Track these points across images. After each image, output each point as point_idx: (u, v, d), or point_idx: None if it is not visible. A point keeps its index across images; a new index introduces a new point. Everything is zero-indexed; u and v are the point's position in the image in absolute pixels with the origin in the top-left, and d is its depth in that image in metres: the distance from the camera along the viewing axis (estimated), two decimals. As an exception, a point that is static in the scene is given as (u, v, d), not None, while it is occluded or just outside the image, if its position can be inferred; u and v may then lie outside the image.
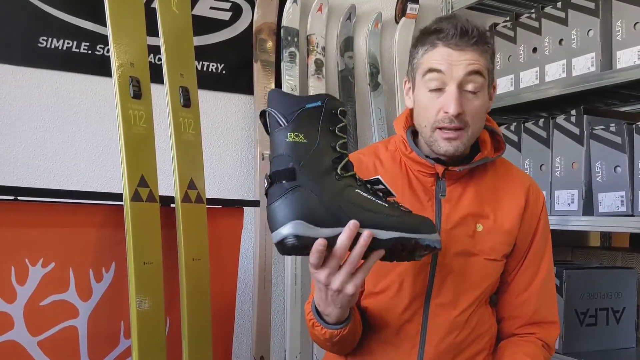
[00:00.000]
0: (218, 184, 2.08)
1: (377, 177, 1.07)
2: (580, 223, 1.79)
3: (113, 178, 1.91)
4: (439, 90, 1.18)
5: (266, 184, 1.00)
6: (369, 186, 1.06)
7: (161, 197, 1.51)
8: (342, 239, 0.98)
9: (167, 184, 1.62)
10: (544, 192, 1.88)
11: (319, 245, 0.96)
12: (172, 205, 1.56)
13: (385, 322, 1.25)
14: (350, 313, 1.14)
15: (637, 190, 1.65)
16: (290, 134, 1.00)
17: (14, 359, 1.35)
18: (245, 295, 2.08)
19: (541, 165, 1.92)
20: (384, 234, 1.01)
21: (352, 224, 0.97)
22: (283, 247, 0.97)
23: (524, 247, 1.31)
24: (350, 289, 1.02)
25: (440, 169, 1.23)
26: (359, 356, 1.28)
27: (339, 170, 1.01)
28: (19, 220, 1.37)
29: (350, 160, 1.04)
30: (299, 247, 0.97)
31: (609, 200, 1.72)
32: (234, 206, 1.76)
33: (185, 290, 1.53)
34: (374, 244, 1.00)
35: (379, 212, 1.02)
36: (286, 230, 0.96)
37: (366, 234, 0.98)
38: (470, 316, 1.25)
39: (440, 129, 1.19)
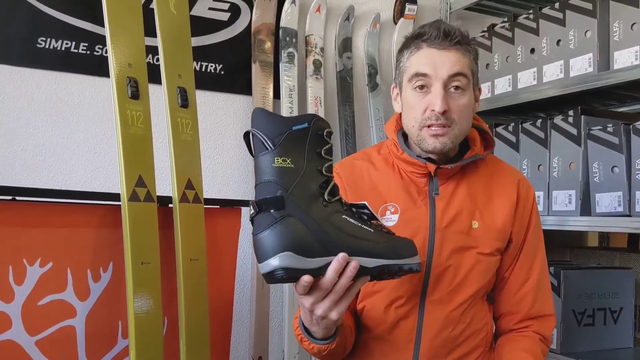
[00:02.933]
0: (216, 184, 2.08)
1: (364, 202, 1.07)
2: (577, 223, 1.79)
3: (111, 178, 1.91)
4: (425, 90, 1.22)
5: (252, 211, 0.98)
6: (354, 210, 1.05)
7: (159, 197, 1.52)
8: (331, 273, 0.97)
9: (165, 184, 1.62)
10: (542, 193, 1.89)
11: (304, 281, 0.96)
12: (169, 205, 1.56)
13: (381, 319, 1.26)
14: (338, 328, 1.15)
15: (634, 191, 1.65)
16: (277, 159, 0.97)
17: (11, 359, 1.36)
18: (244, 295, 2.08)
19: (539, 166, 1.93)
20: (371, 262, 1.01)
21: (341, 257, 0.97)
22: (271, 279, 0.96)
23: (519, 241, 1.32)
24: (334, 315, 1.03)
25: (432, 167, 1.26)
26: (355, 353, 1.29)
27: (325, 196, 1.00)
28: (17, 220, 1.38)
29: (336, 184, 1.03)
30: (287, 279, 0.96)
31: (606, 201, 1.72)
32: (232, 206, 1.76)
33: (183, 290, 1.53)
34: (361, 271, 1.00)
35: (365, 239, 1.01)
36: (275, 262, 0.94)
37: (353, 265, 0.98)
38: (465, 311, 1.26)
39: (428, 126, 1.22)
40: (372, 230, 1.03)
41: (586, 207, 1.79)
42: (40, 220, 1.41)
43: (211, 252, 1.61)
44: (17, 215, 1.38)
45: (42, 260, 1.39)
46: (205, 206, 1.61)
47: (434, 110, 1.20)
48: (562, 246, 2.31)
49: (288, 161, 0.97)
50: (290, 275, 0.95)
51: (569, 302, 1.79)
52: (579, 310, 1.81)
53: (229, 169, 2.11)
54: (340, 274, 0.98)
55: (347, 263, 0.98)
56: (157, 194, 1.51)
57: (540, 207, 1.88)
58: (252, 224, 0.98)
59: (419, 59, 1.22)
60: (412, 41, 1.24)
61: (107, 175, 1.92)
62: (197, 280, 1.56)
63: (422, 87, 1.22)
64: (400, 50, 1.28)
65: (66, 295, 1.43)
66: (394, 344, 1.26)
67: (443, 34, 1.20)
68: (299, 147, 0.99)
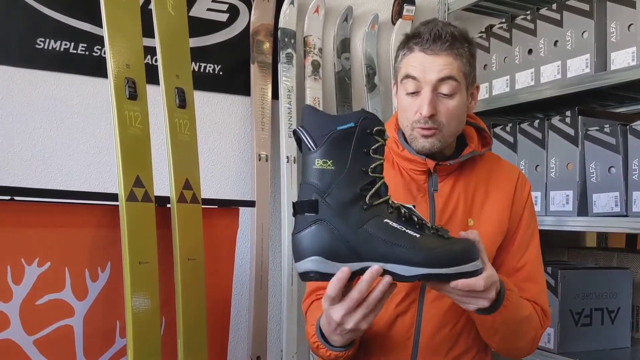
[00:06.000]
0: (215, 184, 2.09)
1: (412, 205, 1.05)
2: (575, 223, 1.80)
3: (109, 178, 1.92)
4: (416, 93, 1.24)
5: (293, 211, 1.00)
6: (403, 211, 1.01)
7: (157, 197, 1.52)
8: (363, 284, 0.97)
9: (163, 184, 1.63)
10: (539, 193, 1.90)
11: (343, 272, 0.96)
12: (167, 205, 1.57)
13: (380, 316, 1.26)
14: None
15: (631, 191, 1.66)
16: (318, 161, 0.97)
17: (10, 358, 1.36)
18: (242, 295, 2.09)
19: (536, 166, 1.93)
20: (408, 271, 0.98)
21: (375, 270, 0.97)
22: (305, 278, 0.98)
23: (511, 234, 1.33)
24: (364, 326, 1.03)
25: (431, 164, 1.27)
26: (356, 351, 1.29)
27: (367, 200, 0.98)
28: (15, 220, 1.38)
29: (385, 183, 1.01)
30: (320, 279, 0.98)
31: (603, 201, 1.73)
32: (230, 206, 1.76)
33: (181, 290, 1.53)
34: (398, 280, 0.98)
35: (404, 246, 0.97)
36: (307, 265, 0.97)
37: (386, 280, 0.98)
38: (464, 309, 1.25)
39: (420, 128, 1.24)
40: (418, 236, 0.99)
41: (583, 207, 1.79)
42: (38, 220, 1.41)
43: (209, 252, 1.61)
44: (15, 215, 1.38)
45: (40, 259, 1.40)
46: (203, 206, 1.61)
47: (421, 114, 1.22)
48: (560, 246, 2.31)
49: (329, 163, 0.97)
50: (322, 277, 0.97)
51: (567, 302, 1.79)
52: (576, 310, 1.81)
53: (227, 170, 2.11)
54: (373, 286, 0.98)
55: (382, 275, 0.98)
56: (155, 194, 1.51)
57: (537, 208, 1.88)
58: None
59: (410, 62, 1.24)
60: (407, 42, 1.26)
61: (105, 175, 1.92)
62: (195, 280, 1.56)
63: (414, 92, 1.23)
64: (398, 49, 1.30)
65: (64, 295, 1.43)
66: (393, 341, 1.26)
67: (433, 38, 1.21)
68: (344, 148, 0.97)
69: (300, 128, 0.99)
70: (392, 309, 1.26)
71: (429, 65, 1.21)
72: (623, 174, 1.68)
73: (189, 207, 1.57)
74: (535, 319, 1.26)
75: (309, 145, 0.97)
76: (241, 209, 1.80)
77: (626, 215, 1.67)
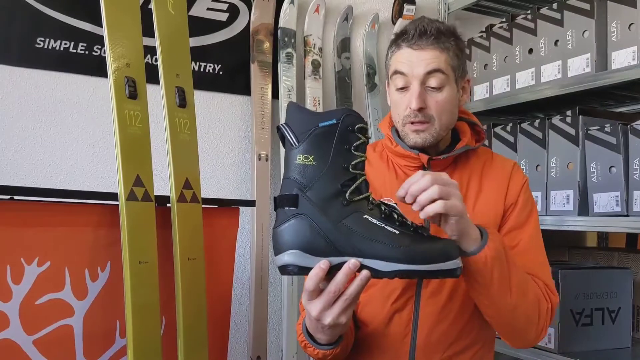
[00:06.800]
0: (215, 184, 2.09)
1: (394, 203, 1.05)
2: (575, 223, 1.79)
3: (109, 178, 1.91)
4: (405, 88, 1.25)
5: (273, 205, 1.01)
6: (383, 208, 1.02)
7: (157, 196, 1.52)
8: (340, 277, 0.97)
9: (163, 183, 1.63)
10: (540, 193, 1.89)
11: (320, 266, 0.96)
12: (167, 204, 1.56)
13: (377, 313, 1.27)
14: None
15: (631, 191, 1.65)
16: (300, 156, 0.98)
17: (9, 358, 1.36)
18: (243, 295, 2.09)
19: (537, 166, 1.93)
20: (386, 266, 0.97)
21: (352, 264, 0.97)
22: (284, 272, 0.99)
23: (505, 221, 1.30)
24: (343, 319, 1.02)
25: (425, 158, 1.28)
26: (353, 349, 1.28)
27: (347, 195, 0.98)
28: (15, 220, 1.38)
29: (366, 180, 1.01)
30: (299, 273, 0.98)
31: (604, 201, 1.72)
32: (230, 206, 1.76)
33: (181, 290, 1.53)
34: (375, 275, 0.98)
35: (383, 242, 0.98)
36: (286, 258, 0.97)
37: (363, 274, 0.97)
38: (461, 305, 1.26)
39: (411, 123, 1.25)
40: (397, 232, 0.99)
41: (584, 207, 1.79)
42: (38, 219, 1.41)
43: (209, 252, 1.61)
44: (15, 214, 1.38)
45: (40, 259, 1.40)
46: (203, 206, 1.61)
47: (411, 108, 1.23)
48: (561, 246, 2.31)
49: (310, 158, 0.98)
50: (300, 271, 0.97)
51: (567, 302, 1.79)
52: (577, 310, 1.81)
53: (227, 169, 2.11)
54: (351, 280, 0.98)
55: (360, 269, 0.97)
56: (155, 193, 1.51)
57: (538, 207, 1.88)
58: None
59: (398, 58, 1.26)
60: (395, 40, 1.28)
61: (105, 174, 1.92)
62: (195, 280, 1.56)
63: (403, 87, 1.25)
64: (388, 47, 1.32)
65: (64, 295, 1.43)
66: (390, 338, 1.26)
67: (419, 34, 1.23)
68: (325, 144, 0.98)
69: (284, 124, 1.00)
70: (388, 306, 1.25)
71: (415, 60, 1.23)
72: (624, 174, 1.67)
73: (189, 206, 1.57)
74: (534, 284, 1.20)
75: (292, 141, 0.98)
76: (241, 208, 1.80)
77: (627, 215, 1.66)
